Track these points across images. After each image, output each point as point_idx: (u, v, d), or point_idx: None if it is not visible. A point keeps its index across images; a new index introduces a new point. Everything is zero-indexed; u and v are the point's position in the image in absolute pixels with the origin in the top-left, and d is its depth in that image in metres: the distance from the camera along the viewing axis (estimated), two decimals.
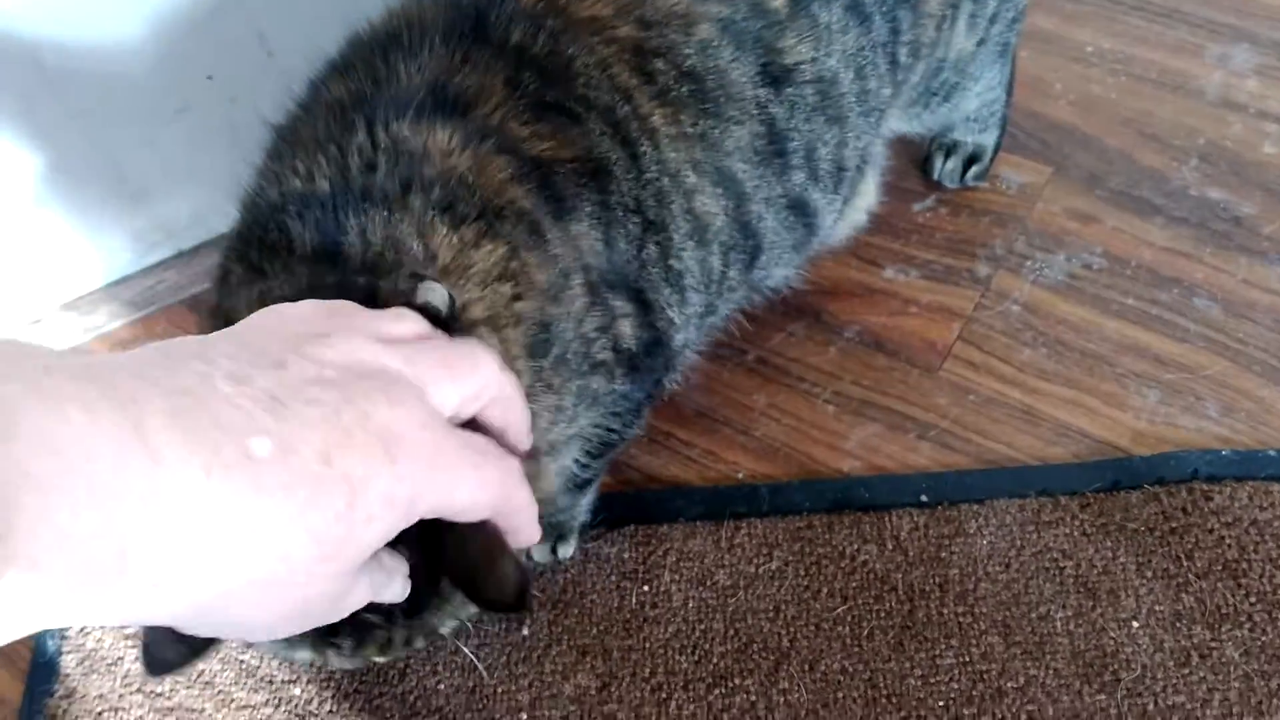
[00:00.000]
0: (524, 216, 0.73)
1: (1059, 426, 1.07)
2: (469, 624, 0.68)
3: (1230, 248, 1.18)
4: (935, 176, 1.26)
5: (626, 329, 0.82)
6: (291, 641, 0.63)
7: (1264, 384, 1.08)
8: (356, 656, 0.64)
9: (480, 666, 0.82)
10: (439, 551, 0.60)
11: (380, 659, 0.66)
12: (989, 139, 1.24)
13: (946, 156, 1.25)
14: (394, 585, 0.58)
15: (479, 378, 0.57)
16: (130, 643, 0.99)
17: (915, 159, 1.28)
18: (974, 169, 1.24)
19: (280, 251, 0.67)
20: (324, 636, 0.62)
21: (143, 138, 1.13)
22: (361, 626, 0.62)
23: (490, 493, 0.55)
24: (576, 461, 0.90)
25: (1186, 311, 1.14)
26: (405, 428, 0.50)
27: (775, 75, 0.86)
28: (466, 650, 0.73)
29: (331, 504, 0.47)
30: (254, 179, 0.78)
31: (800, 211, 0.94)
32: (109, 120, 1.10)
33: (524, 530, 0.60)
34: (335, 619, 0.54)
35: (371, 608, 0.60)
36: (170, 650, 0.59)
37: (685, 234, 0.84)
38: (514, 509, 0.58)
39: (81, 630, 1.00)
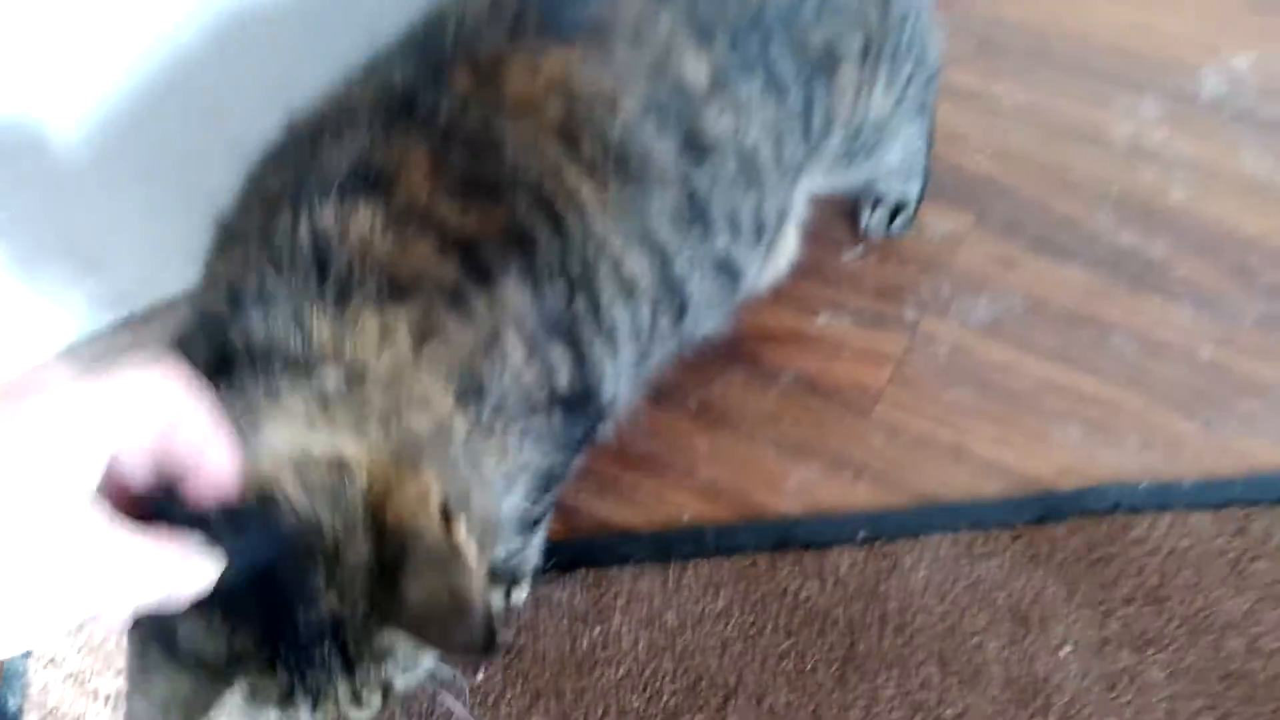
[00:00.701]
0: (442, 285, 0.77)
1: (987, 463, 1.11)
2: (436, 675, 0.70)
3: (1143, 289, 1.23)
4: (863, 226, 1.30)
5: (563, 380, 0.86)
6: (258, 703, 0.65)
7: (1179, 418, 1.13)
8: (319, 713, 0.66)
9: (459, 708, 0.84)
10: (394, 601, 0.63)
11: None
12: (913, 189, 1.28)
13: (873, 207, 1.29)
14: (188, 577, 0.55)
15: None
16: (91, 699, 1.00)
17: (844, 210, 1.32)
18: (899, 218, 1.29)
19: (198, 365, 0.70)
20: (286, 696, 0.64)
21: (94, 205, 1.14)
22: (313, 682, 0.64)
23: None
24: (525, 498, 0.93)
25: (1104, 351, 1.19)
26: None
27: (698, 148, 0.91)
28: (455, 705, 0.75)
29: None
30: (199, 278, 0.82)
31: (726, 270, 0.99)
32: (60, 189, 1.11)
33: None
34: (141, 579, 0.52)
35: (314, 661, 0.63)
36: None
37: (613, 294, 0.88)
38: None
39: (43, 689, 1.01)
